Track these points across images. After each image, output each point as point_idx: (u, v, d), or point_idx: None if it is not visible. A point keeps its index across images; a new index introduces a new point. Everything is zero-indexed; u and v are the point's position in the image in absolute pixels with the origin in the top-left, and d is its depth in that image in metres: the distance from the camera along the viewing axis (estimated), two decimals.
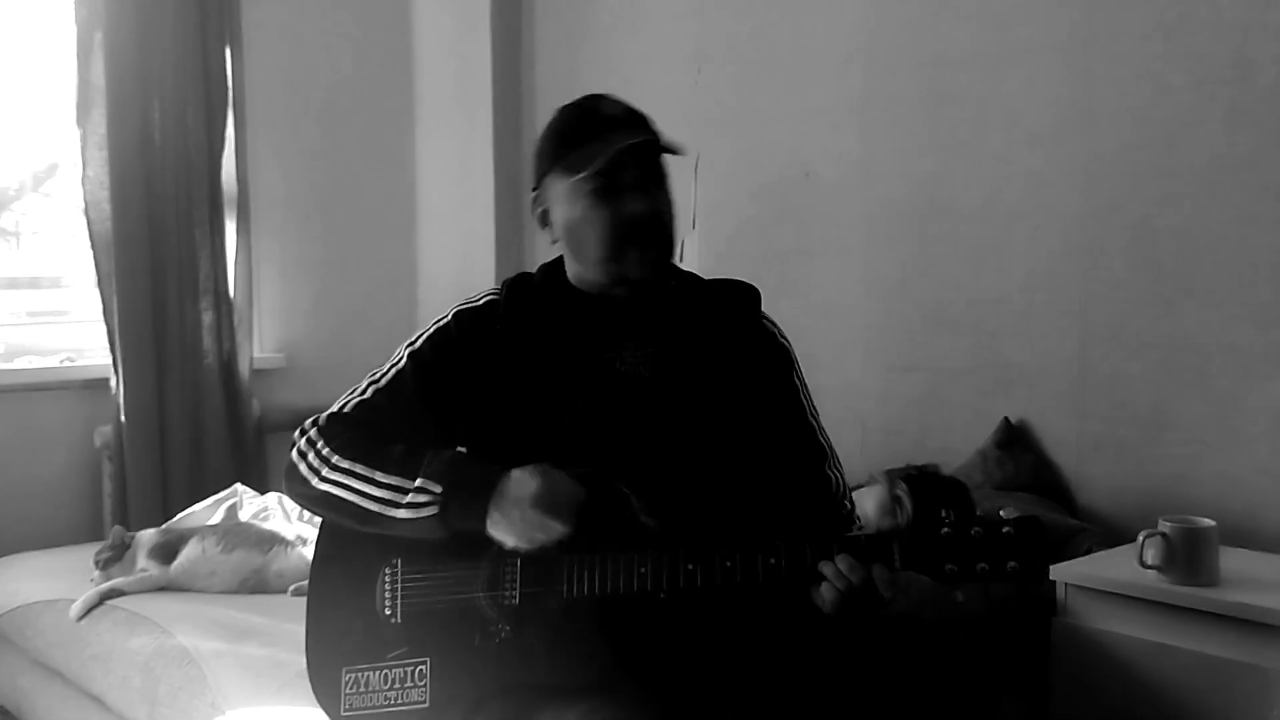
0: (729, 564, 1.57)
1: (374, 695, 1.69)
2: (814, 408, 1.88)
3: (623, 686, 1.58)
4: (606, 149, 1.70)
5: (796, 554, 1.58)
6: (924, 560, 1.52)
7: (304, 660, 2.06)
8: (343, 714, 1.71)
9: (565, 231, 1.78)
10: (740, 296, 1.87)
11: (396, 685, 1.69)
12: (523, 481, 1.60)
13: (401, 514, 1.63)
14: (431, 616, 1.69)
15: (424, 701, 1.67)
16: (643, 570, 1.58)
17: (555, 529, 1.58)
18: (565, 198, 1.76)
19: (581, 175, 1.71)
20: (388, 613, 1.71)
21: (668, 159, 1.78)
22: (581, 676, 1.60)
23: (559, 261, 1.86)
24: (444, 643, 1.68)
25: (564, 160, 1.75)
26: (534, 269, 1.90)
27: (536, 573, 1.64)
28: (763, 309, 1.88)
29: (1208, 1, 2.50)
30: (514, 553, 1.64)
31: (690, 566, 1.58)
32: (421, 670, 1.68)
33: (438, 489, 1.61)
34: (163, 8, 3.50)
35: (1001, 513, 1.54)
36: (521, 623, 1.64)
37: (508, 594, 1.65)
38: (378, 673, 1.70)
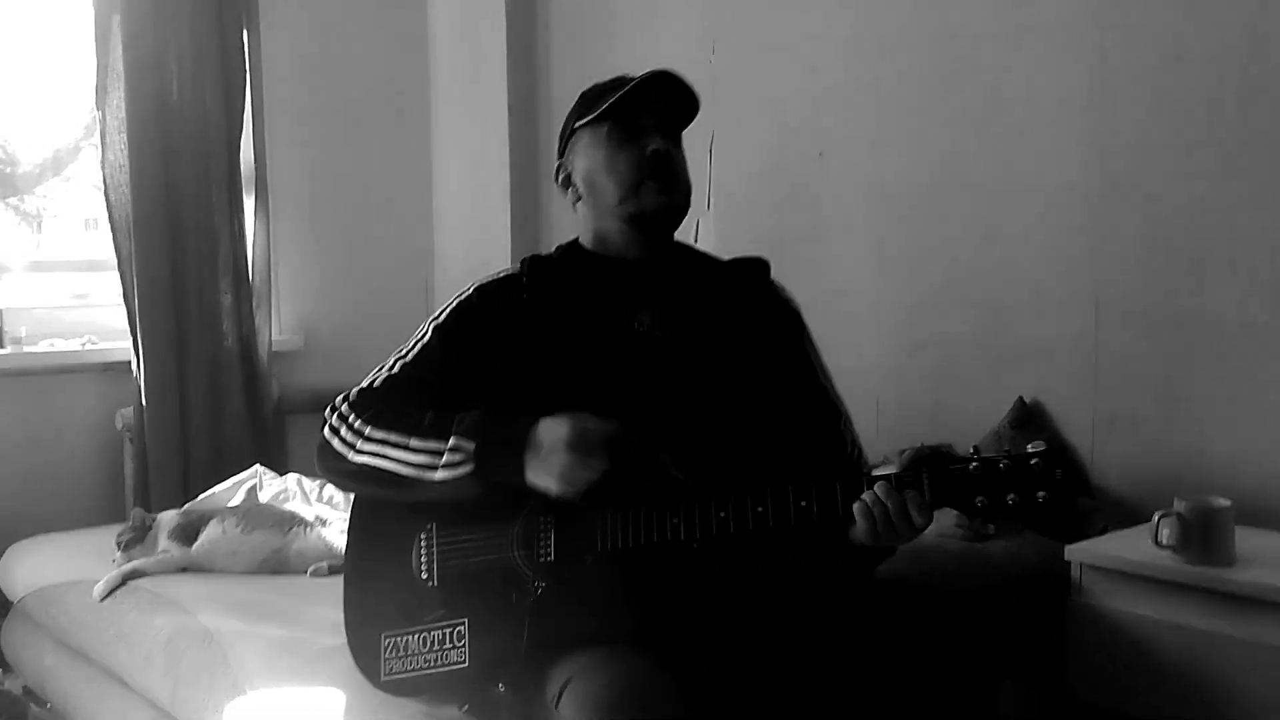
0: (760, 509, 1.59)
1: (414, 658, 1.72)
2: (826, 371, 1.93)
3: (647, 637, 1.61)
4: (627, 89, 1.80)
5: (827, 494, 1.60)
6: (953, 494, 1.54)
7: (324, 639, 2.10)
8: (383, 679, 1.73)
9: (585, 183, 1.86)
10: (751, 266, 1.95)
11: (435, 647, 1.71)
12: (554, 427, 1.62)
13: (439, 475, 1.65)
14: (468, 578, 1.71)
15: (464, 662, 1.69)
16: (675, 520, 1.61)
17: (594, 466, 1.60)
18: (587, 147, 1.85)
19: (600, 109, 1.80)
20: (424, 576, 1.73)
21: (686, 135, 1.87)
22: (618, 628, 1.62)
23: (575, 241, 1.92)
24: (481, 603, 1.70)
25: (587, 113, 1.84)
26: (549, 251, 1.96)
27: (570, 528, 1.66)
28: (773, 277, 1.95)
29: None
30: (547, 510, 1.67)
31: (722, 514, 1.60)
32: (460, 631, 1.70)
33: (471, 445, 1.64)
34: None
35: (1029, 447, 1.55)
36: (557, 579, 1.66)
37: (542, 551, 1.68)
38: (416, 636, 1.72)
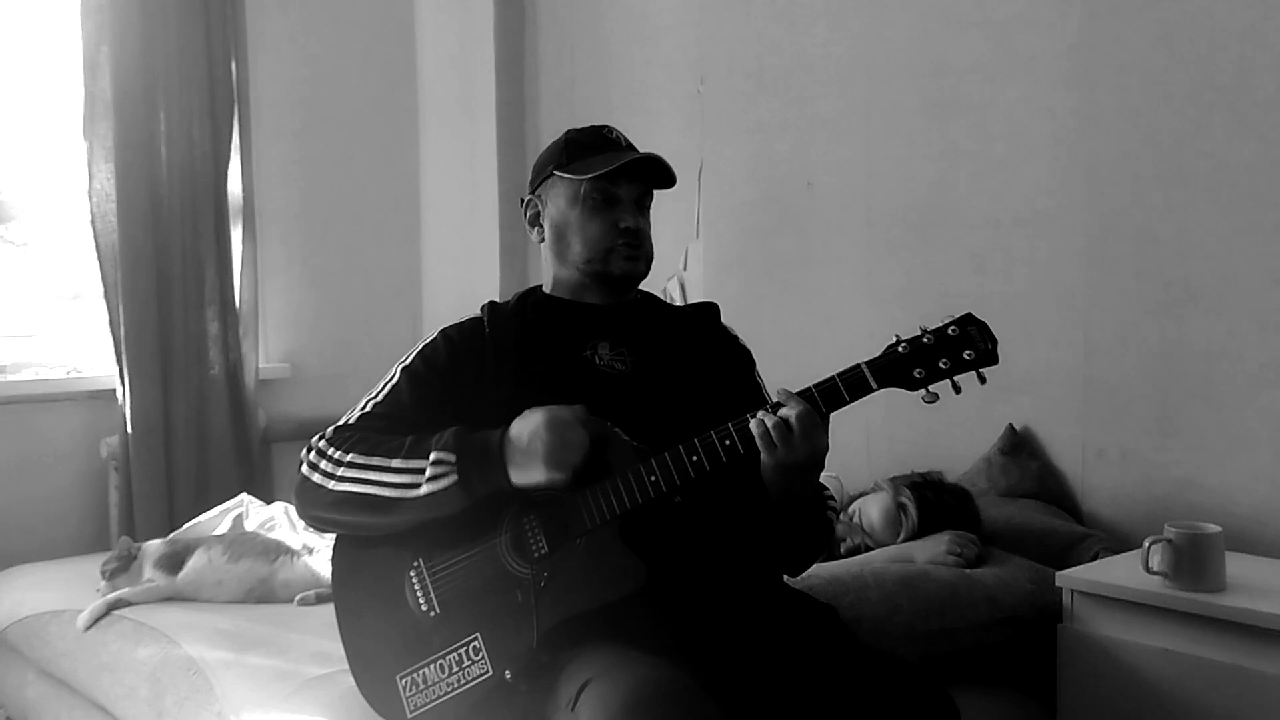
0: (728, 442, 1.67)
1: (436, 687, 1.73)
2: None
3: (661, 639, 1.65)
4: (617, 159, 1.87)
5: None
6: (895, 374, 1.67)
7: (311, 669, 2.08)
8: (410, 716, 1.73)
9: (554, 231, 1.94)
10: (702, 308, 2.05)
11: (455, 669, 1.72)
12: (526, 422, 1.67)
13: (423, 490, 1.68)
14: (469, 597, 1.73)
15: (487, 672, 1.70)
16: (653, 478, 1.67)
17: (575, 444, 1.64)
18: (565, 199, 1.91)
19: (590, 176, 1.87)
20: (424, 608, 1.74)
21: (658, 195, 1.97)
22: (624, 588, 1.65)
23: (536, 289, 2.02)
24: (489, 613, 1.72)
25: (571, 165, 1.90)
26: (538, 279, 2.06)
27: (556, 520, 1.71)
28: (723, 320, 2.04)
29: (1208, 10, 2.51)
30: (528, 511, 1.72)
31: (694, 458, 1.67)
32: (475, 646, 1.71)
33: (452, 457, 1.67)
34: (168, 20, 3.52)
35: (942, 320, 1.68)
36: (557, 566, 1.70)
37: (536, 547, 1.71)
38: (433, 666, 1.73)
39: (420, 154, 4.22)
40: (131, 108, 3.46)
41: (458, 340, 1.91)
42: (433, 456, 1.68)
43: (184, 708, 2.20)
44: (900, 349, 1.67)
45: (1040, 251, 2.80)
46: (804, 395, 1.68)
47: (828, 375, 1.70)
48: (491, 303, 1.98)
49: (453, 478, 1.67)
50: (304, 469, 1.80)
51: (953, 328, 1.67)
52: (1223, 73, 2.49)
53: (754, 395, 1.96)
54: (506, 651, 1.69)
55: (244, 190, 3.70)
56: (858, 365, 1.68)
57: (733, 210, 3.44)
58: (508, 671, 1.68)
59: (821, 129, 3.22)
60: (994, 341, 1.67)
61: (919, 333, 1.67)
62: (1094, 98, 2.69)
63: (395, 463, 1.71)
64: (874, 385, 1.67)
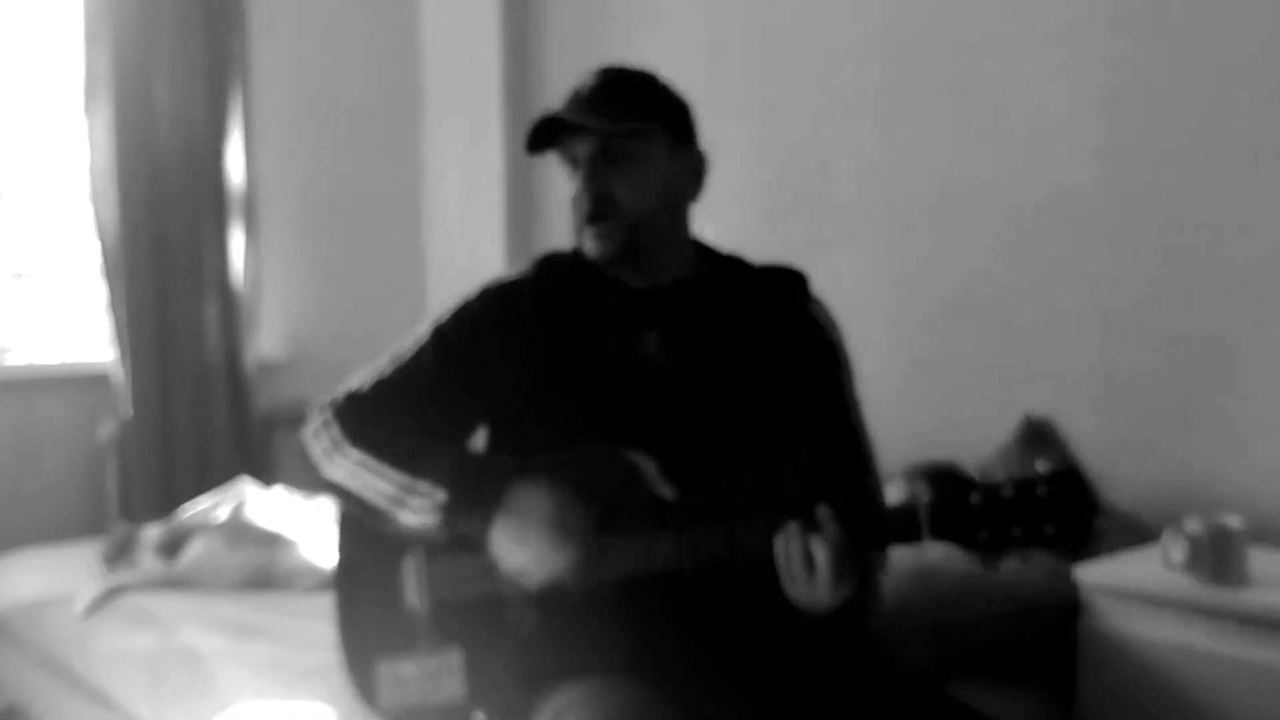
0: (752, 545, 1.50)
1: (410, 688, 1.65)
2: (859, 409, 1.79)
3: (638, 670, 1.54)
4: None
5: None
6: (954, 529, 1.42)
7: (311, 657, 2.06)
8: (381, 706, 1.67)
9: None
10: (782, 284, 1.79)
11: (432, 677, 1.65)
12: (533, 497, 1.55)
13: (406, 516, 1.59)
14: (459, 607, 1.65)
15: (460, 695, 1.63)
16: (665, 549, 1.53)
17: (565, 554, 1.52)
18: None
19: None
20: (415, 603, 1.66)
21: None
22: (609, 660, 1.56)
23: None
24: (474, 633, 1.64)
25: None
26: (567, 250, 1.81)
27: None
28: (812, 294, 1.80)
29: None
30: None
31: (713, 544, 1.51)
32: (455, 662, 1.64)
33: (442, 495, 1.56)
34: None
35: (1038, 466, 1.43)
36: (546, 610, 1.60)
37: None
38: (414, 664, 1.66)
39: (423, 134, 4.17)
40: (132, 87, 3.44)
41: (497, 305, 1.73)
42: (423, 486, 1.57)
43: (183, 696, 2.18)
44: (972, 497, 1.42)
45: (1060, 235, 2.75)
46: (843, 523, 1.46)
47: (881, 508, 1.50)
48: (545, 261, 1.77)
49: (436, 516, 1.56)
50: (309, 433, 1.70)
51: (1043, 486, 1.39)
52: (1250, 50, 2.44)
53: (833, 404, 1.73)
54: (484, 686, 1.63)
55: (245, 172, 3.66)
56: (914, 507, 1.45)
57: (743, 193, 3.38)
58: (481, 715, 1.62)
59: (835, 109, 3.16)
60: (1092, 517, 1.38)
61: (1001, 481, 1.42)
62: (1117, 76, 2.63)
63: (389, 471, 1.60)
64: (927, 536, 1.43)
